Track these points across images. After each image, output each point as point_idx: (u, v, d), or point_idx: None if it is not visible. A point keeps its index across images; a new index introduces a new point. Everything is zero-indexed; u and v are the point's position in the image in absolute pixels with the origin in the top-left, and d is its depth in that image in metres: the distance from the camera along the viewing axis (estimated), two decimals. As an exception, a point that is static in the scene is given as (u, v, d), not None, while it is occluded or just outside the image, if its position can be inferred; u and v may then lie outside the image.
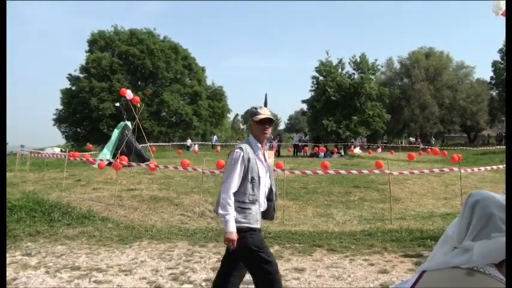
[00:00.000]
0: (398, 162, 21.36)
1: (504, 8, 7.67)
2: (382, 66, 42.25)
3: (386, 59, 55.01)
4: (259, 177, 3.85)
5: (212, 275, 5.55)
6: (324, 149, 28.99)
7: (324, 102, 31.93)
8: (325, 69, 32.89)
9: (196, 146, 38.10)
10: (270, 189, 4.06)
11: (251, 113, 4.02)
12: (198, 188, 11.30)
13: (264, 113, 3.92)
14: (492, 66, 51.67)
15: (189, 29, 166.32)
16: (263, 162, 3.96)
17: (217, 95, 49.87)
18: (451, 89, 50.63)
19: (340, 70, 33.58)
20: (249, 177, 3.77)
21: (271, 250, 6.70)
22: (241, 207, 3.74)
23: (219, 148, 36.38)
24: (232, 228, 3.61)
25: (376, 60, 34.18)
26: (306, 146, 32.27)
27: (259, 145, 3.95)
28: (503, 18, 7.71)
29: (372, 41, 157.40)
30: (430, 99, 48.99)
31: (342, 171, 11.38)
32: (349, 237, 7.47)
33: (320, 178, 13.81)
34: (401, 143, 49.54)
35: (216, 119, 49.74)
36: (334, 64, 33.43)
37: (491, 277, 1.35)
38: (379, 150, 37.30)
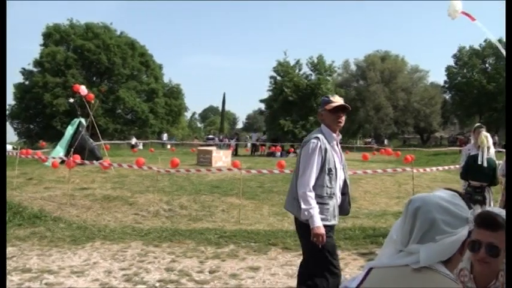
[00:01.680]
0: (353, 162, 21.73)
1: (461, 9, 7.93)
2: (338, 68, 43.09)
3: (343, 60, 55.98)
4: (335, 169, 3.65)
5: (166, 275, 5.50)
6: (280, 148, 29.24)
7: (281, 102, 32.26)
8: (283, 70, 33.23)
9: (141, 145, 37.07)
10: (345, 182, 3.87)
11: (323, 102, 3.78)
12: (153, 187, 11.16)
13: (337, 101, 3.71)
14: (446, 71, 53.70)
15: (147, 25, 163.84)
16: (337, 153, 3.76)
17: (174, 93, 49.28)
18: (405, 92, 52.06)
19: (297, 71, 34.04)
20: (326, 169, 3.58)
21: (226, 249, 6.73)
22: (319, 201, 3.54)
23: (172, 147, 35.99)
24: (318, 222, 3.43)
25: (333, 61, 34.92)
26: (264, 145, 32.45)
27: (334, 135, 3.74)
28: (464, 17, 7.98)
29: (330, 43, 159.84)
30: (385, 101, 50.18)
31: (298, 171, 11.47)
32: (304, 236, 7.55)
33: (276, 177, 13.89)
34: (357, 143, 50.49)
35: (173, 117, 49.14)
36: (291, 64, 33.83)
37: (438, 272, 1.40)
38: (335, 150, 37.85)
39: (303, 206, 3.48)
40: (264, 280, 5.39)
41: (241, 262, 6.10)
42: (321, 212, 3.54)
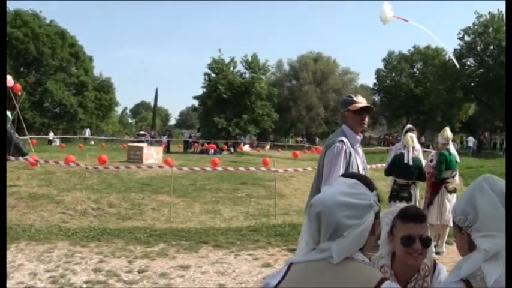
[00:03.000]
0: (285, 160, 22.13)
1: (392, 14, 8.28)
2: (272, 67, 43.62)
3: (277, 60, 56.85)
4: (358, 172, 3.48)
5: (94, 276, 5.37)
6: (214, 146, 29.21)
7: (215, 100, 32.18)
8: (218, 67, 33.16)
9: (58, 141, 35.46)
10: None
11: (346, 102, 3.64)
12: (80, 184, 10.77)
13: (361, 101, 3.59)
14: (375, 74, 56.17)
15: (77, 15, 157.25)
16: (360, 155, 3.66)
17: (104, 87, 47.86)
18: (336, 93, 53.64)
19: (232, 68, 34.09)
20: None
21: (156, 248, 6.66)
22: None
23: (93, 143, 34.86)
24: None
25: (266, 60, 35.23)
26: (196, 142, 32.27)
27: (358, 137, 3.65)
28: (397, 20, 8.34)
29: (264, 42, 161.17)
30: (317, 101, 51.48)
31: (230, 168, 11.57)
32: (235, 233, 7.61)
33: (209, 175, 13.88)
34: (288, 141, 51.43)
35: (103, 111, 47.72)
36: (226, 62, 33.83)
37: (355, 261, 1.45)
38: (267, 148, 38.40)
39: None
40: (194, 279, 5.39)
41: (171, 261, 6.06)
42: None
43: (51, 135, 35.87)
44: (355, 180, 1.57)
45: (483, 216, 1.46)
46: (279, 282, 1.52)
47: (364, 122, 3.63)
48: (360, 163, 3.59)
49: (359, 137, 3.68)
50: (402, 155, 6.74)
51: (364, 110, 3.58)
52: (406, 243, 2.08)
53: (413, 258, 2.09)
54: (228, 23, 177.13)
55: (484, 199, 1.48)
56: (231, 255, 6.42)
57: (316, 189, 3.64)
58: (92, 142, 35.94)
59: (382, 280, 1.41)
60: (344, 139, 3.51)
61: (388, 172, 7.06)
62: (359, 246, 1.48)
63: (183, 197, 11.05)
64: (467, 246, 1.52)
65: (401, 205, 6.31)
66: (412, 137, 6.91)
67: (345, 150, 3.46)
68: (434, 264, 2.24)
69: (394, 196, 6.73)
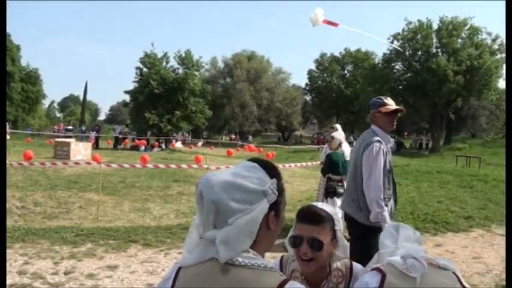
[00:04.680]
0: (218, 157, 22.19)
1: (322, 18, 8.56)
2: (206, 64, 43.42)
3: (211, 57, 56.76)
4: (392, 171, 3.67)
5: (18, 279, 5.17)
6: (145, 142, 28.73)
7: (147, 95, 31.55)
8: (150, 61, 32.53)
9: None
10: (394, 184, 3.85)
11: (377, 104, 3.77)
12: (2, 181, 10.31)
13: (392, 104, 3.73)
14: (307, 74, 57.72)
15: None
16: (390, 154, 3.78)
17: (32, 78, 45.55)
18: (269, 92, 54.55)
19: (164, 63, 33.57)
20: (387, 171, 3.58)
21: (83, 248, 6.51)
22: None
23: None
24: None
25: (200, 57, 35.05)
26: (126, 138, 31.58)
27: (389, 137, 3.77)
28: (325, 25, 8.64)
29: (198, 39, 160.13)
30: (250, 99, 51.92)
31: (161, 165, 11.50)
32: (165, 232, 7.56)
33: (139, 172, 13.69)
34: (222, 139, 51.52)
35: (30, 104, 45.44)
36: (159, 57, 33.27)
37: (246, 267, 1.25)
38: (200, 145, 38.27)
39: (377, 209, 3.48)
40: (123, 279, 5.33)
41: (99, 261, 5.95)
42: None
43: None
44: (254, 164, 1.37)
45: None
46: None
47: (395, 123, 3.79)
48: (391, 160, 3.79)
49: (390, 137, 3.86)
50: (333, 153, 7.11)
51: (395, 112, 3.75)
52: (292, 244, 1.96)
53: (303, 263, 1.96)
54: (162, 18, 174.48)
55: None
56: (161, 254, 6.40)
57: (354, 188, 3.77)
58: (8, 137, 34.02)
59: (284, 282, 1.23)
60: (379, 138, 3.67)
61: (324, 170, 7.28)
62: (249, 240, 1.28)
63: (111, 194, 10.85)
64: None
65: (338, 201, 6.49)
66: (334, 137, 7.31)
67: (383, 149, 3.63)
68: (351, 268, 2.07)
69: (332, 192, 6.99)
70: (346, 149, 7.43)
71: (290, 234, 2.00)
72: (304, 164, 13.94)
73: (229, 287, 1.21)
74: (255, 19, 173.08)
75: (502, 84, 41.44)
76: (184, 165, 11.46)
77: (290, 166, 13.62)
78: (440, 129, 41.10)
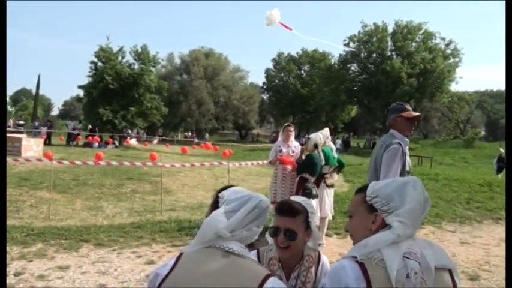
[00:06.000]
0: (173, 155, 22.04)
1: (278, 19, 8.65)
2: (163, 60, 42.87)
3: (168, 53, 56.01)
4: (410, 172, 3.82)
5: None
6: (98, 139, 28.13)
7: (101, 90, 30.83)
8: (105, 56, 31.78)
9: None
10: None
11: (398, 109, 4.02)
12: None
13: (411, 110, 4.04)
14: (265, 73, 58.07)
15: None
16: (408, 155, 3.97)
17: (-22, 71, 43.75)
18: (226, 89, 54.37)
19: (120, 58, 32.90)
20: (405, 172, 3.74)
21: (34, 248, 6.34)
22: None
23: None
24: None
25: (157, 53, 34.56)
26: (79, 134, 30.81)
27: (407, 140, 3.97)
28: (280, 26, 8.73)
29: (155, 34, 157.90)
30: (207, 96, 51.59)
31: (114, 163, 11.31)
32: (118, 230, 7.44)
33: (92, 169, 13.41)
34: (178, 136, 51.06)
35: (-24, 98, 43.64)
36: (114, 51, 32.55)
37: (244, 257, 1.59)
38: (155, 142, 37.82)
39: None
40: (74, 280, 5.23)
41: (50, 262, 5.81)
42: None
43: None
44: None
45: (408, 207, 1.63)
46: (170, 272, 1.58)
47: (414, 128, 4.11)
48: (410, 161, 4.04)
49: (408, 140, 4.05)
50: (310, 155, 6.90)
51: (415, 118, 4.04)
52: (271, 234, 2.26)
53: (280, 250, 2.26)
54: (119, 11, 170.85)
55: (415, 195, 1.67)
56: (113, 254, 6.30)
57: None
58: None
59: (267, 277, 1.53)
60: (399, 141, 3.89)
61: (300, 171, 7.03)
62: (248, 241, 1.74)
63: (63, 192, 10.60)
64: (370, 228, 1.67)
65: (314, 202, 6.48)
66: (311, 138, 7.16)
67: (402, 151, 3.85)
68: (319, 256, 2.40)
69: (307, 194, 6.72)
70: (332, 145, 7.38)
71: (270, 225, 2.29)
72: (260, 162, 14.03)
73: (227, 269, 1.51)
74: (214, 16, 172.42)
75: (454, 87, 43.11)
76: (138, 163, 11.35)
77: (246, 164, 13.68)
78: (393, 129, 42.17)
